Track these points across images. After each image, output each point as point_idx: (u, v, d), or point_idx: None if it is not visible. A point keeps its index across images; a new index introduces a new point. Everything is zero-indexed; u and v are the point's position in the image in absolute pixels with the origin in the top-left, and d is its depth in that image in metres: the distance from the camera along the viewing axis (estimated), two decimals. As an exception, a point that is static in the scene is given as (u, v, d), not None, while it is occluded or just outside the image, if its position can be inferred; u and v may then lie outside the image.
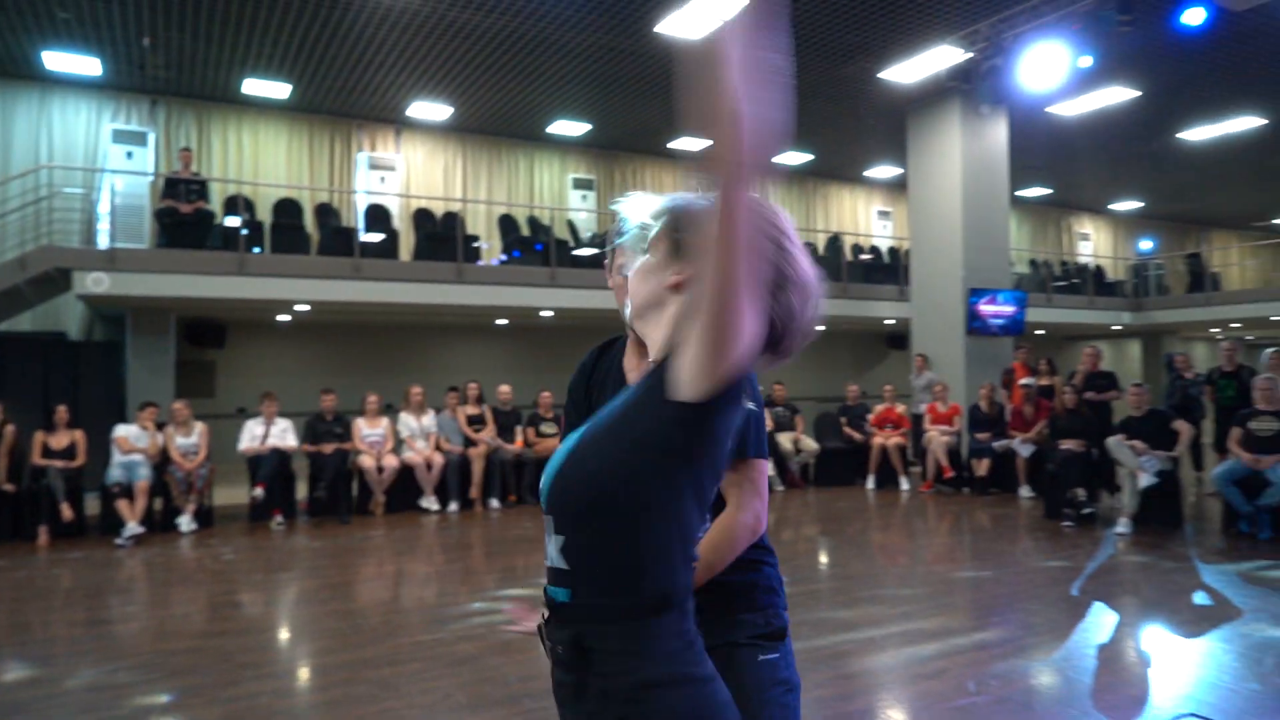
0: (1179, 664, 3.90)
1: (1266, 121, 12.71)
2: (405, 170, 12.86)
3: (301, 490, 8.25)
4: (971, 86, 10.10)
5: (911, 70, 10.41)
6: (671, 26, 9.18)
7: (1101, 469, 7.78)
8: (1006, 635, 4.27)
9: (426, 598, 5.28)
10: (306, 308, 10.50)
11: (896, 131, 12.74)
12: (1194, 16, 7.03)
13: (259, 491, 7.55)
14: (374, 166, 12.39)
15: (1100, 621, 4.53)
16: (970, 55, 9.63)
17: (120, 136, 10.97)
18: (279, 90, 11.13)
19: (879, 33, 9.49)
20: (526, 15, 8.98)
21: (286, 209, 10.62)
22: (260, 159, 11.93)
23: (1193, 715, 3.24)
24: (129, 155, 10.98)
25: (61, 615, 4.96)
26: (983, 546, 6.66)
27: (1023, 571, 5.72)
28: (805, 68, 10.56)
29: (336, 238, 10.18)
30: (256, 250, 9.68)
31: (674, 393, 1.09)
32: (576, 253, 11.81)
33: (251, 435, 8.10)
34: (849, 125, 13.20)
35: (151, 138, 11.12)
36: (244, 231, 9.58)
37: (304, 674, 3.88)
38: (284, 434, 8.18)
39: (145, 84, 10.89)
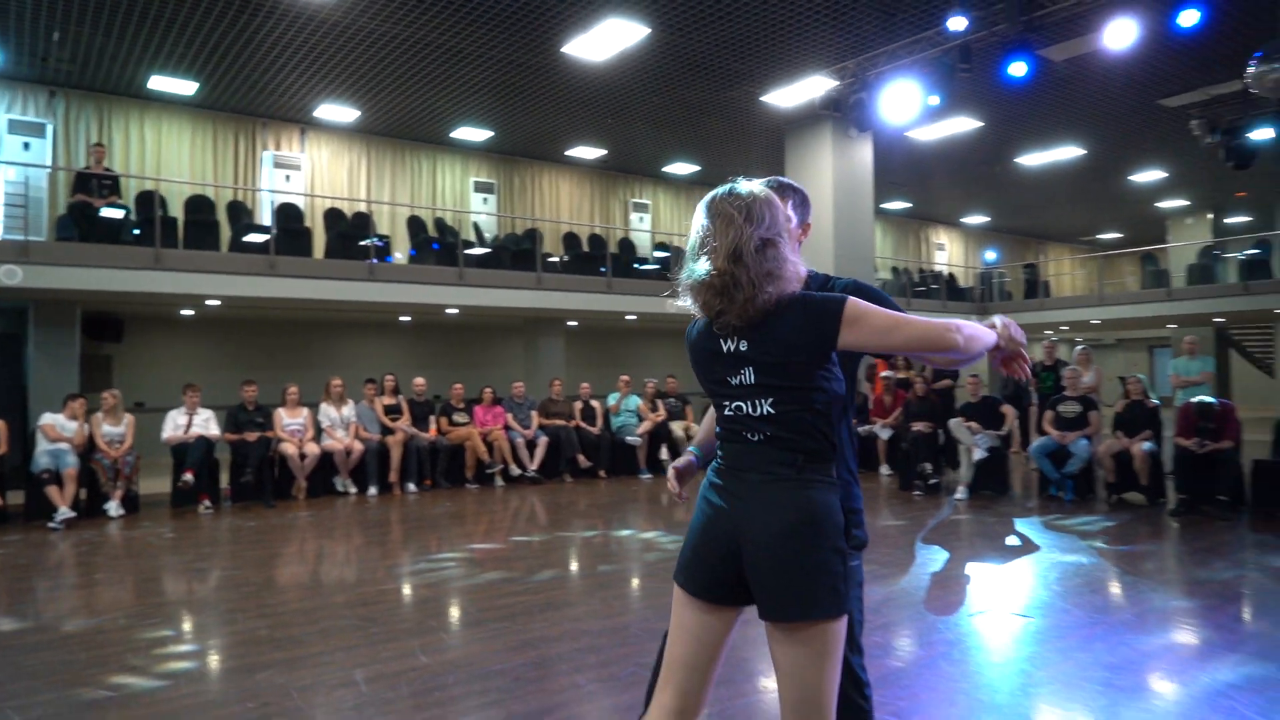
0: (991, 582, 5.06)
1: (1085, 151, 14.71)
2: (310, 169, 13.16)
3: (223, 478, 8.63)
4: (841, 114, 11.40)
5: (789, 96, 11.64)
6: (578, 48, 10.02)
7: (945, 447, 9.16)
8: (872, 565, 5.34)
9: (371, 561, 5.92)
10: (217, 303, 10.75)
11: (775, 148, 14.02)
12: (1018, 69, 8.43)
13: (188, 477, 7.90)
14: (279, 165, 12.65)
15: (937, 558, 5.69)
16: (840, 86, 10.91)
17: (17, 127, 10.85)
18: (185, 87, 11.27)
19: (762, 63, 10.63)
20: (438, 26, 9.51)
21: (199, 206, 10.81)
22: (163, 155, 12.00)
23: (994, 610, 4.37)
24: (25, 146, 10.88)
25: (35, 584, 5.34)
26: (848, 512, 7.81)
27: (881, 529, 6.88)
28: (697, 90, 11.61)
29: (250, 235, 10.47)
30: (144, 245, 9.87)
31: None
32: (470, 252, 12.37)
33: (175, 424, 8.42)
34: (733, 141, 14.39)
35: (50, 129, 11.06)
36: (138, 229, 9.76)
37: (292, 614, 4.49)
38: (207, 423, 8.54)
39: (45, 75, 10.84)
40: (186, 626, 4.26)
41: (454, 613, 4.49)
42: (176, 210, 10.77)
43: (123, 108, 11.68)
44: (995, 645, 3.87)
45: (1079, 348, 9.45)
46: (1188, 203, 19.59)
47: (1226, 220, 20.92)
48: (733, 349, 1.87)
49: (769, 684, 3.27)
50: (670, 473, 2.28)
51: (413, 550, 6.27)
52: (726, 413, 1.90)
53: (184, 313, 12.33)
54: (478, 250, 12.67)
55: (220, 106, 12.21)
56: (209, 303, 10.76)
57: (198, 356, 12.96)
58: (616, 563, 5.81)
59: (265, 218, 11.69)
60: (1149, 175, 16.63)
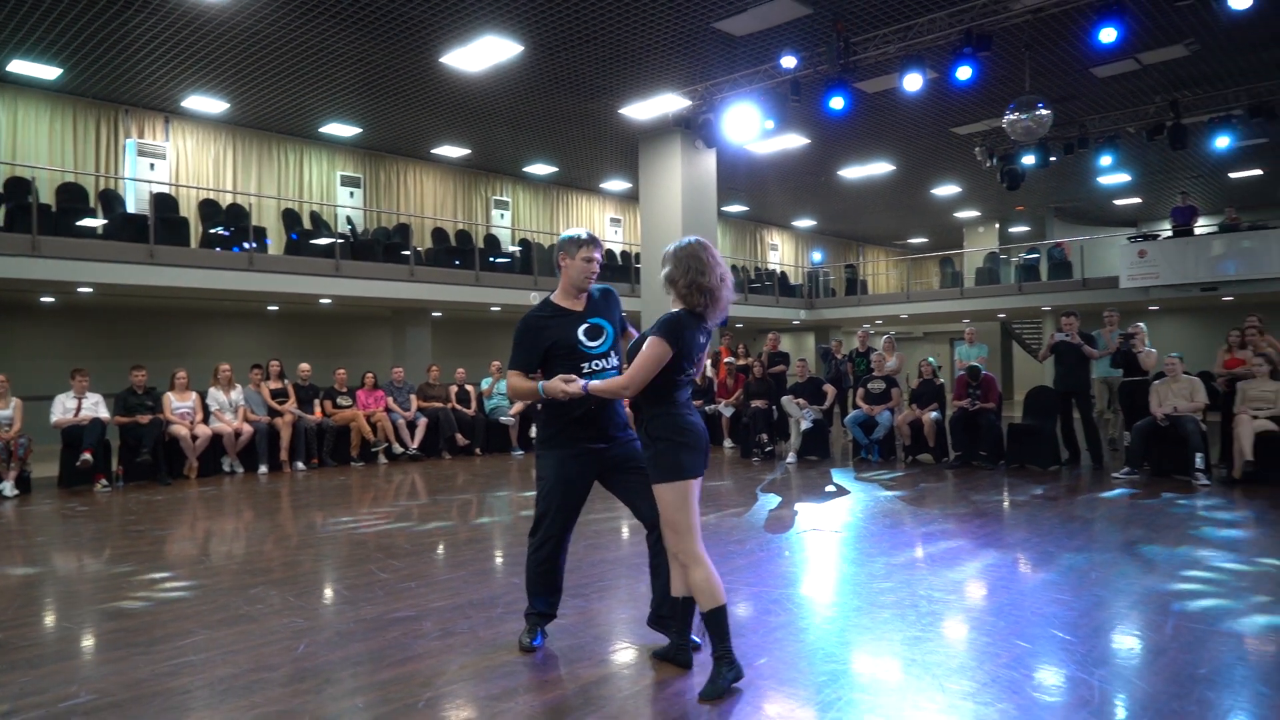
0: (815, 513, 6.53)
1: (895, 167, 16.97)
2: (175, 159, 13.22)
3: (113, 460, 8.94)
4: (690, 129, 12.84)
5: (645, 111, 12.97)
6: (456, 60, 10.87)
7: (778, 422, 10.77)
8: (723, 507, 6.69)
9: (291, 521, 6.68)
10: (89, 290, 10.82)
11: (629, 154, 15.35)
12: (837, 103, 10.11)
13: (88, 456, 8.23)
14: (143, 153, 12.67)
15: (773, 500, 7.14)
16: (690, 106, 12.33)
17: None
18: (47, 72, 11.19)
19: (622, 81, 11.87)
20: (317, 28, 9.96)
21: (71, 193, 10.83)
22: (20, 139, 11.80)
23: (817, 530, 5.81)
24: None
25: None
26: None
27: (727, 487, 8.30)
28: (561, 100, 12.71)
29: (125, 224, 10.64)
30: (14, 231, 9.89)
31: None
32: (324, 241, 12.85)
33: (64, 408, 8.67)
34: (590, 146, 15.59)
35: (-107, 109, 10.72)
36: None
37: (253, 554, 5.26)
38: (96, 406, 8.83)
39: (-110, 53, 10.50)
40: (164, 570, 4.97)
41: (385, 549, 5.43)
42: (43, 197, 10.74)
43: (-25, 89, 11.43)
44: (817, 547, 5.28)
45: (884, 336, 11.33)
46: (978, 213, 22.63)
47: (1010, 230, 24.26)
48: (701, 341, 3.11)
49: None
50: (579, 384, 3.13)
51: (329, 511, 7.05)
52: (684, 376, 3.06)
53: (43, 300, 12.15)
54: (328, 241, 13.06)
55: (83, 92, 12.13)
56: (81, 290, 10.81)
57: (52, 345, 12.76)
58: (497, 516, 6.88)
59: (130, 206, 11.79)
60: (947, 190, 19.25)
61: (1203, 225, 15.73)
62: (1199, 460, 7.52)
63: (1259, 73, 11.73)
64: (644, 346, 2.97)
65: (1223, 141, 12.42)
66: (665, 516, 3.00)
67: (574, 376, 3.12)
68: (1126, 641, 3.45)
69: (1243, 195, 19.41)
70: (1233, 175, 17.77)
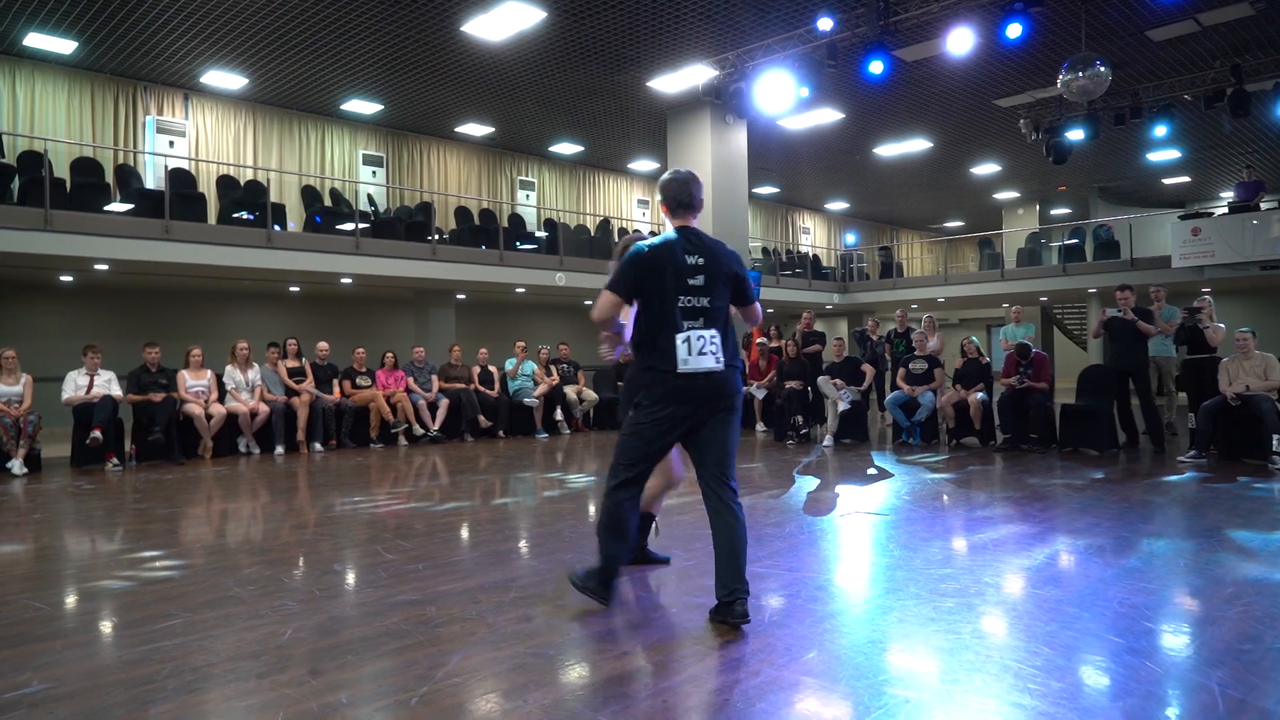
0: (854, 496, 6.06)
1: (932, 144, 16.32)
2: (194, 136, 12.98)
3: (125, 439, 8.68)
4: (720, 101, 12.34)
5: (673, 83, 12.48)
6: (477, 28, 10.47)
7: (813, 405, 10.28)
8: (759, 490, 6.25)
9: (303, 502, 6.34)
10: (105, 267, 10.59)
11: (657, 132, 14.87)
12: (876, 67, 9.57)
13: (97, 434, 7.96)
14: (161, 130, 12.44)
15: (811, 483, 6.68)
16: (720, 75, 11.83)
17: (-127, 80, 10.31)
18: (63, 46, 10.97)
19: (649, 50, 11.41)
20: None
21: (86, 168, 10.60)
22: (37, 115, 11.60)
23: (858, 512, 5.34)
24: (-117, 101, 10.35)
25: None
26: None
27: (764, 469, 7.85)
28: (586, 72, 12.27)
29: (142, 200, 10.38)
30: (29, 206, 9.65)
31: None
32: (336, 226, 12.50)
33: (76, 385, 8.42)
34: (617, 123, 15.13)
35: (-90, 84, 10.55)
36: (20, 190, 9.53)
37: (238, 545, 4.93)
38: (109, 384, 8.57)
39: (-95, 27, 10.32)
40: (157, 549, 4.64)
41: (393, 531, 5.06)
42: (60, 172, 10.53)
43: (-7, 64, 11.24)
44: (863, 531, 4.82)
45: (925, 316, 10.78)
46: (1018, 194, 21.86)
47: (1051, 211, 23.43)
48: None
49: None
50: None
51: (344, 491, 6.71)
52: None
53: (63, 279, 11.98)
54: (350, 226, 12.73)
55: (100, 68, 11.91)
56: (98, 267, 10.59)
57: (68, 325, 12.58)
58: (520, 498, 6.50)
59: (149, 183, 11.55)
60: (986, 168, 18.55)
61: (1265, 202, 14.92)
62: (1276, 442, 6.93)
63: (1330, 34, 10.99)
64: None
65: (1289, 109, 11.66)
66: None
67: None
68: (1243, 639, 2.96)
69: (1302, 172, 18.52)
70: (1293, 150, 16.92)
